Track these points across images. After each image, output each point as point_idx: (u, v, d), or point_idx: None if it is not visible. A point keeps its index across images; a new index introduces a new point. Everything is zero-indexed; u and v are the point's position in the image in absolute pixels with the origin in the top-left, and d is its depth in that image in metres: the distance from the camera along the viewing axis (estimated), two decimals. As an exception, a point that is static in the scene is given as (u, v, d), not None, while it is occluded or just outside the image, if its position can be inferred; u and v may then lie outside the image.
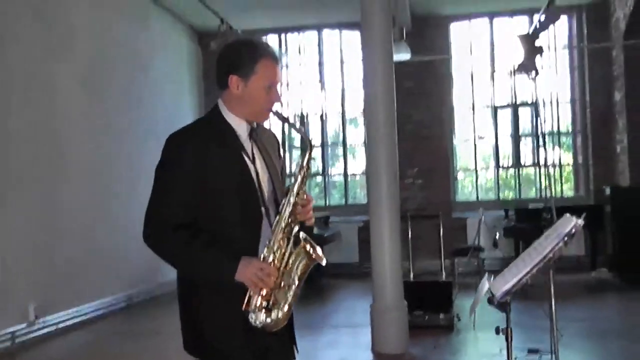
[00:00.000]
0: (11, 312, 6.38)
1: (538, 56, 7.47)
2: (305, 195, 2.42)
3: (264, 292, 2.32)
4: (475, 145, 11.34)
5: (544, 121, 10.93)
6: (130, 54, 8.90)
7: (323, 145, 11.58)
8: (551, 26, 9.18)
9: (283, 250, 2.36)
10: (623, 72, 10.07)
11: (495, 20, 11.20)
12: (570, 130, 11.27)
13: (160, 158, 2.40)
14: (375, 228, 6.06)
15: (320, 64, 11.64)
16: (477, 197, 11.10)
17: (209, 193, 2.36)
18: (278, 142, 2.67)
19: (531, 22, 10.32)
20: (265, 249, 2.35)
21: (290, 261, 2.36)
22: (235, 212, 2.38)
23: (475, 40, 11.35)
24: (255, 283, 2.30)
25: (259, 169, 2.45)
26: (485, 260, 9.39)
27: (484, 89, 11.33)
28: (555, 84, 11.08)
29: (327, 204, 11.43)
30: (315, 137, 11.16)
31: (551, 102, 11.03)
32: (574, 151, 11.22)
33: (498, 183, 11.34)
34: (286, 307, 2.34)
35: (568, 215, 2.68)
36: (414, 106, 10.72)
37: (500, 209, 10.22)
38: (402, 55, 8.89)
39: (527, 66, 7.62)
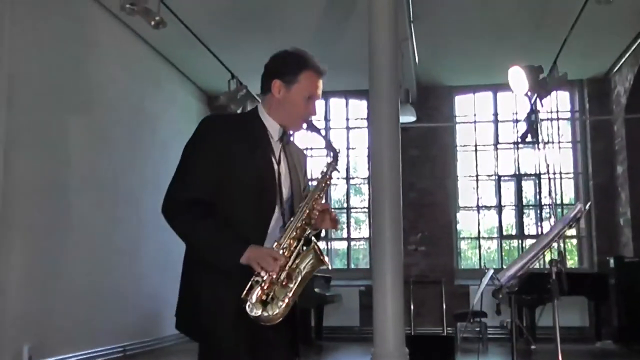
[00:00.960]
0: (4, 352, 6.22)
1: (540, 125, 7.59)
2: (322, 202, 2.46)
3: (265, 285, 2.31)
4: (478, 214, 11.36)
5: (549, 193, 10.98)
6: (139, 110, 9.03)
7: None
8: (554, 95, 9.41)
9: (292, 249, 2.39)
10: (625, 146, 10.20)
11: (499, 94, 11.43)
12: (573, 202, 11.29)
13: (190, 136, 2.49)
14: (378, 287, 5.89)
15: (327, 129, 11.83)
16: (480, 265, 10.99)
17: (228, 180, 2.40)
18: (306, 161, 2.74)
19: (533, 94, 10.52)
20: (275, 244, 2.37)
21: (297, 261, 2.39)
22: (249, 204, 2.41)
23: (480, 111, 11.56)
24: (260, 264, 2.29)
25: (282, 171, 2.51)
26: (488, 329, 9.22)
27: (487, 159, 11.46)
28: (558, 157, 11.21)
29: (329, 267, 11.32)
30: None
31: (554, 175, 11.11)
32: (577, 224, 11.18)
33: (501, 253, 11.28)
34: (283, 305, 2.33)
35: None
36: (418, 174, 10.81)
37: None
38: (408, 117, 9.01)
39: (531, 132, 7.74)
